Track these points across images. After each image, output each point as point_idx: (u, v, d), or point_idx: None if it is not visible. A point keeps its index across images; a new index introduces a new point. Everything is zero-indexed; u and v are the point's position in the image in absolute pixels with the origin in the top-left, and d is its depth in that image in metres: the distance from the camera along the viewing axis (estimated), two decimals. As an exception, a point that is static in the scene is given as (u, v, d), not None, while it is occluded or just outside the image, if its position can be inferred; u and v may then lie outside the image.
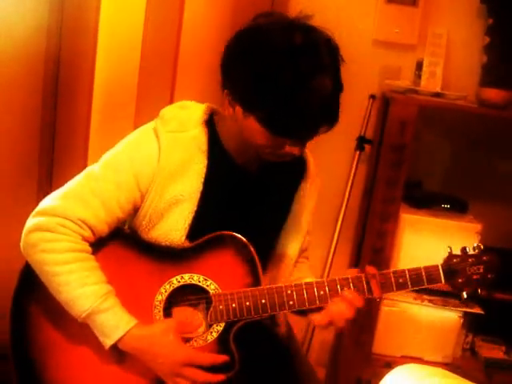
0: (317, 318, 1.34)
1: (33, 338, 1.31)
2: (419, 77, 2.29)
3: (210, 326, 1.32)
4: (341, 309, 1.30)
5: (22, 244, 1.28)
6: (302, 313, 1.37)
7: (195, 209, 1.34)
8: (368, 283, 1.32)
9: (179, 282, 1.32)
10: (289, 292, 1.31)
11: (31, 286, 1.31)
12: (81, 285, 1.24)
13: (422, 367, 1.31)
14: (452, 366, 2.23)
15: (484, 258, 1.35)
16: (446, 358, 2.29)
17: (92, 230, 1.29)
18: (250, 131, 1.27)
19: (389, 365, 2.17)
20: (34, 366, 1.31)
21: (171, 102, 2.24)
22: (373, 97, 2.35)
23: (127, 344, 1.25)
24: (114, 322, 1.24)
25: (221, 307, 1.30)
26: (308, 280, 1.35)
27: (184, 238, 1.34)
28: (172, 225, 1.33)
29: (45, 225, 1.26)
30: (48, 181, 2.27)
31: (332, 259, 2.36)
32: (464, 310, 2.26)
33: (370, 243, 2.18)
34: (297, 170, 1.48)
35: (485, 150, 2.41)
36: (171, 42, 2.24)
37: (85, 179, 1.32)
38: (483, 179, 2.41)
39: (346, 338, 2.33)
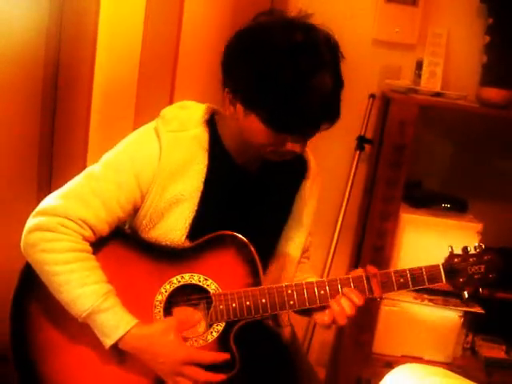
0: (320, 318, 1.34)
1: (33, 338, 1.31)
2: (419, 76, 2.29)
3: (211, 325, 1.32)
4: (342, 306, 1.30)
5: (22, 244, 1.28)
6: (306, 313, 1.37)
7: (196, 208, 1.34)
8: (369, 283, 1.32)
9: (179, 281, 1.32)
10: (289, 292, 1.31)
11: (31, 286, 1.31)
12: (81, 284, 1.24)
13: (423, 367, 1.31)
14: (452, 366, 2.23)
15: (485, 257, 1.35)
16: (446, 357, 2.29)
17: (92, 230, 1.29)
18: (251, 130, 1.27)
19: (389, 364, 2.17)
20: (34, 366, 1.30)
21: (171, 102, 2.24)
22: (373, 96, 2.35)
23: (127, 344, 1.25)
24: (115, 322, 1.24)
25: (221, 307, 1.30)
26: (310, 280, 1.35)
27: (184, 237, 1.34)
28: (172, 224, 1.33)
29: (45, 224, 1.26)
30: (47, 181, 2.27)
31: (332, 259, 2.36)
32: (464, 309, 2.26)
33: (370, 243, 2.18)
34: (298, 170, 1.48)
35: (485, 149, 2.41)
36: (171, 42, 2.24)
37: (85, 179, 1.32)
38: (483, 179, 2.41)
39: (346, 338, 2.33)
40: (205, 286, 1.32)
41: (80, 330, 1.28)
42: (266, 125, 1.23)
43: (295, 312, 1.38)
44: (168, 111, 1.39)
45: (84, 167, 1.36)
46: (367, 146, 2.37)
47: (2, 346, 1.33)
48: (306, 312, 1.36)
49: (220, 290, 1.31)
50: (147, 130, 1.37)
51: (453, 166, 2.44)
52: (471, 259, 1.34)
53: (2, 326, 1.32)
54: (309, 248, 1.59)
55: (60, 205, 1.28)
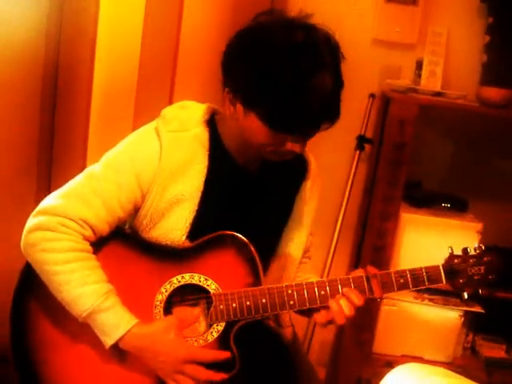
0: (318, 317, 1.34)
1: (33, 338, 1.31)
2: (419, 76, 2.29)
3: (211, 325, 1.32)
4: (341, 306, 1.30)
5: (22, 243, 1.28)
6: (306, 313, 1.37)
7: (196, 208, 1.34)
8: (369, 283, 1.32)
9: (180, 281, 1.32)
10: (289, 292, 1.31)
11: (31, 286, 1.31)
12: (81, 284, 1.24)
13: (423, 366, 1.30)
14: (453, 365, 2.23)
15: (485, 258, 1.35)
16: (446, 357, 2.29)
17: (93, 230, 1.29)
18: (250, 129, 1.27)
19: (389, 364, 2.17)
20: (34, 366, 1.31)
21: (170, 102, 2.24)
22: (373, 96, 2.35)
23: (128, 343, 1.25)
24: (115, 321, 1.24)
25: (221, 307, 1.30)
26: (310, 280, 1.35)
27: (184, 237, 1.34)
28: (173, 224, 1.33)
29: (46, 224, 1.26)
30: (47, 182, 2.27)
31: (332, 258, 2.36)
32: (465, 308, 2.26)
33: (371, 242, 2.18)
34: (298, 171, 1.48)
35: (485, 148, 2.41)
36: (170, 43, 2.24)
37: (86, 179, 1.32)
38: (483, 178, 2.41)
39: (347, 338, 2.33)
40: (205, 286, 1.32)
41: (80, 329, 1.28)
42: (266, 124, 1.23)
43: (295, 312, 1.38)
44: (168, 111, 1.39)
45: (83, 167, 1.36)
46: (367, 146, 2.37)
47: (2, 346, 1.33)
48: (306, 312, 1.36)
49: (220, 290, 1.31)
50: (148, 129, 1.37)
51: (453, 165, 2.44)
52: (471, 260, 1.35)
53: (2, 326, 1.32)
54: (310, 248, 1.59)
55: (60, 204, 1.28)
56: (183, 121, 1.37)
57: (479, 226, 2.17)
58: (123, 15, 2.23)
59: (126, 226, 1.40)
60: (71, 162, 2.25)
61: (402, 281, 1.33)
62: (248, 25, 1.27)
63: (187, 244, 1.34)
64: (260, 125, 1.24)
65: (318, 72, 1.20)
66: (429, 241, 2.15)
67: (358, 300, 1.30)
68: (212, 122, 1.40)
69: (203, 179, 1.35)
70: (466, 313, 2.28)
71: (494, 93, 2.15)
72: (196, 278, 1.32)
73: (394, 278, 1.33)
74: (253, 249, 1.32)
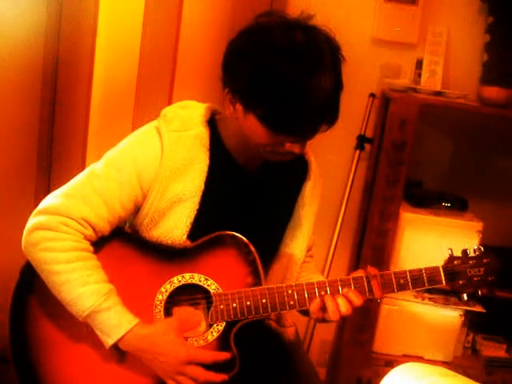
0: (313, 308, 1.32)
1: (33, 338, 1.31)
2: (419, 75, 2.29)
3: (211, 325, 1.32)
4: (337, 303, 1.29)
5: (23, 243, 1.28)
6: (307, 313, 1.36)
7: (197, 208, 1.34)
8: (369, 284, 1.32)
9: (180, 281, 1.32)
10: (289, 292, 1.31)
11: (31, 286, 1.31)
12: (82, 283, 1.24)
13: (423, 366, 1.30)
14: (453, 365, 2.23)
15: (484, 260, 1.35)
16: (446, 356, 2.28)
17: (94, 229, 1.29)
18: (250, 129, 1.27)
19: (389, 364, 2.17)
20: (34, 365, 1.31)
21: (170, 102, 2.25)
22: (373, 95, 2.35)
23: (128, 343, 1.25)
24: (116, 321, 1.24)
25: (221, 307, 1.30)
26: (313, 280, 1.35)
27: (185, 236, 1.34)
28: (173, 223, 1.33)
29: (46, 223, 1.26)
30: (46, 181, 2.28)
31: (332, 258, 2.36)
32: (465, 308, 2.26)
33: (371, 242, 2.18)
34: (299, 171, 1.49)
35: (485, 148, 2.41)
36: (170, 43, 2.24)
37: (87, 178, 1.32)
38: (484, 178, 2.41)
39: (347, 338, 2.32)
40: (205, 286, 1.32)
41: (80, 329, 1.28)
42: (265, 125, 1.24)
43: (297, 311, 1.37)
44: (169, 111, 1.39)
45: (83, 167, 1.36)
46: (367, 145, 2.37)
47: (2, 346, 1.33)
48: (307, 312, 1.36)
49: (220, 290, 1.31)
50: (149, 129, 1.37)
51: (453, 165, 2.44)
52: (471, 261, 1.35)
53: (2, 326, 1.32)
54: (312, 247, 1.59)
55: (61, 203, 1.28)
56: (184, 120, 1.37)
57: (479, 225, 2.17)
58: (123, 15, 2.24)
59: (127, 226, 1.40)
60: (71, 162, 2.26)
61: (401, 282, 1.33)
62: (248, 26, 1.27)
63: (188, 243, 1.34)
64: (259, 125, 1.24)
65: (317, 73, 1.20)
66: (429, 240, 2.15)
67: (358, 300, 1.30)
68: (212, 122, 1.40)
69: (204, 179, 1.35)
70: (467, 312, 2.28)
71: (494, 92, 2.14)
72: (196, 278, 1.32)
73: (394, 279, 1.32)
74: (253, 249, 1.32)
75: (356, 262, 2.39)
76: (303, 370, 1.55)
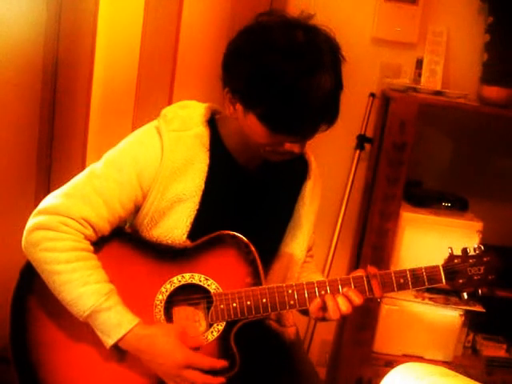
0: (313, 307, 1.32)
1: (33, 338, 1.31)
2: (419, 75, 2.29)
3: (211, 325, 1.32)
4: (337, 302, 1.29)
5: (23, 242, 1.28)
6: (307, 312, 1.36)
7: (197, 207, 1.34)
8: (369, 283, 1.32)
9: (180, 281, 1.32)
10: (290, 292, 1.31)
11: (31, 286, 1.31)
12: (83, 283, 1.24)
13: (423, 366, 1.30)
14: (453, 365, 2.23)
15: (485, 258, 1.35)
16: (447, 356, 2.28)
17: (94, 229, 1.29)
18: (250, 129, 1.27)
19: (389, 364, 2.17)
20: (34, 365, 1.30)
21: (170, 102, 2.25)
22: (373, 95, 2.34)
23: (129, 343, 1.25)
24: (116, 321, 1.24)
25: (221, 306, 1.30)
26: (314, 279, 1.35)
27: (185, 236, 1.34)
28: (173, 223, 1.33)
29: (47, 223, 1.26)
30: (46, 181, 2.28)
31: (332, 258, 2.36)
32: (465, 308, 2.26)
33: (371, 242, 2.18)
34: (299, 171, 1.49)
35: (485, 148, 2.41)
36: (170, 42, 2.24)
37: (87, 178, 1.32)
38: (484, 177, 2.41)
39: (347, 337, 2.32)
40: (205, 286, 1.32)
41: (80, 329, 1.28)
42: (264, 124, 1.24)
43: (297, 311, 1.37)
44: (169, 110, 1.39)
45: (83, 167, 1.36)
46: (367, 145, 2.37)
47: (2, 346, 1.33)
48: (307, 311, 1.36)
49: (220, 290, 1.31)
50: (149, 129, 1.37)
51: (453, 164, 2.44)
52: (471, 260, 1.35)
53: (2, 326, 1.32)
54: (312, 247, 1.59)
55: (62, 203, 1.28)
56: (184, 120, 1.37)
57: (479, 225, 2.17)
58: (123, 15, 2.24)
59: (127, 226, 1.40)
60: (71, 162, 2.26)
61: (401, 281, 1.33)
62: (248, 25, 1.27)
63: (188, 243, 1.34)
64: (259, 125, 1.24)
65: (317, 73, 1.20)
66: (429, 240, 2.15)
67: (358, 299, 1.30)
68: (212, 122, 1.40)
69: (204, 178, 1.35)
70: (467, 312, 2.28)
71: (494, 92, 2.14)
72: (196, 278, 1.32)
73: (394, 278, 1.32)
74: (253, 249, 1.32)
75: (356, 262, 2.39)
76: (303, 370, 1.55)
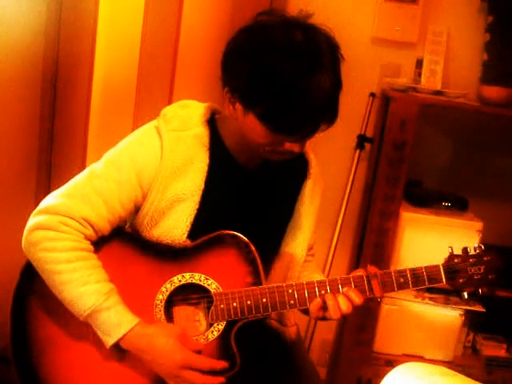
0: (314, 307, 1.32)
1: (34, 338, 1.31)
2: (419, 75, 2.29)
3: (211, 325, 1.32)
4: (337, 302, 1.29)
5: (23, 242, 1.28)
6: (307, 312, 1.36)
7: (197, 207, 1.34)
8: (369, 283, 1.32)
9: (180, 281, 1.32)
10: (290, 291, 1.31)
11: (31, 286, 1.31)
12: (83, 283, 1.24)
13: (423, 365, 1.30)
14: (453, 365, 2.23)
15: (485, 258, 1.35)
16: (447, 356, 2.28)
17: (94, 229, 1.29)
18: (249, 129, 1.27)
19: (390, 363, 2.17)
20: (34, 365, 1.30)
21: (170, 101, 2.25)
22: (373, 95, 2.34)
23: (129, 342, 1.25)
24: (117, 320, 1.24)
25: (222, 306, 1.30)
26: (315, 279, 1.35)
27: (185, 236, 1.34)
28: (174, 223, 1.34)
29: (47, 223, 1.26)
30: (47, 181, 2.28)
31: (333, 257, 2.36)
32: (465, 307, 2.26)
33: (371, 241, 2.18)
34: (299, 170, 1.48)
35: (485, 147, 2.41)
36: (170, 42, 2.24)
37: (87, 178, 1.32)
38: (484, 177, 2.41)
39: (347, 337, 2.32)
40: (205, 286, 1.32)
41: (81, 329, 1.28)
42: (264, 124, 1.24)
43: (299, 310, 1.37)
44: (169, 110, 1.39)
45: (83, 167, 1.36)
46: (367, 145, 2.37)
47: (3, 346, 1.33)
48: (307, 311, 1.36)
49: (221, 290, 1.31)
50: (149, 128, 1.37)
51: (453, 164, 2.44)
52: (471, 260, 1.35)
53: (2, 326, 1.32)
54: (313, 246, 1.59)
55: (62, 203, 1.28)
56: (184, 120, 1.37)
57: (479, 224, 2.17)
58: (123, 15, 2.24)
59: (127, 225, 1.40)
60: (71, 162, 2.26)
61: (402, 280, 1.33)
62: (248, 24, 1.27)
63: (188, 243, 1.34)
64: (258, 125, 1.24)
65: (317, 72, 1.20)
66: (429, 240, 2.15)
67: (358, 299, 1.30)
68: (212, 122, 1.40)
69: (204, 178, 1.35)
70: (467, 312, 2.28)
71: (494, 91, 2.14)
72: (196, 278, 1.32)
73: (394, 278, 1.32)
74: (253, 248, 1.32)
75: (356, 262, 2.39)
76: (304, 369, 1.55)
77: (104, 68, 2.25)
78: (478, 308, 2.26)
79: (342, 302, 1.29)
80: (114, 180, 1.31)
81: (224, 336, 1.31)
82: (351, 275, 1.33)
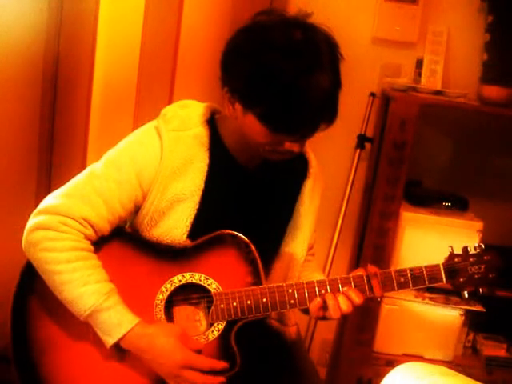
0: (314, 306, 1.32)
1: (34, 338, 1.31)
2: (419, 75, 2.29)
3: (211, 324, 1.32)
4: (338, 301, 1.29)
5: (23, 242, 1.28)
6: (307, 311, 1.36)
7: (197, 207, 1.34)
8: (369, 282, 1.32)
9: (180, 280, 1.32)
10: (290, 291, 1.31)
11: (32, 286, 1.32)
12: (83, 283, 1.24)
13: (424, 365, 1.30)
14: (453, 364, 2.23)
15: (485, 257, 1.35)
16: (447, 356, 2.28)
17: (94, 229, 1.29)
18: (249, 128, 1.27)
19: (390, 363, 2.17)
20: (34, 365, 1.30)
21: (170, 101, 2.25)
22: (373, 95, 2.34)
23: (129, 342, 1.25)
24: (117, 320, 1.24)
25: (222, 306, 1.30)
26: (315, 278, 1.35)
27: (185, 236, 1.34)
28: (174, 223, 1.34)
29: (47, 223, 1.26)
30: (47, 181, 2.28)
31: (333, 257, 2.36)
32: (465, 307, 2.26)
33: (371, 241, 2.18)
34: (299, 170, 1.48)
35: (486, 147, 2.41)
36: (170, 42, 2.24)
37: (87, 178, 1.32)
38: (484, 177, 2.41)
39: (347, 337, 2.32)
40: (205, 285, 1.32)
41: (81, 329, 1.28)
42: (264, 124, 1.24)
43: (299, 310, 1.37)
44: (169, 110, 1.39)
45: (83, 167, 1.36)
46: (368, 145, 2.37)
47: (3, 346, 1.33)
48: (308, 310, 1.36)
49: (221, 289, 1.31)
50: (148, 128, 1.37)
51: (453, 164, 2.44)
52: (471, 259, 1.35)
53: (3, 326, 1.32)
54: (313, 245, 1.59)
55: (62, 203, 1.28)
56: (184, 120, 1.37)
57: (479, 224, 2.17)
58: (123, 15, 2.24)
59: (127, 225, 1.40)
60: (71, 162, 2.26)
61: (402, 280, 1.33)
62: (247, 24, 1.27)
63: (188, 243, 1.34)
64: (258, 124, 1.24)
65: (316, 72, 1.20)
66: (429, 240, 2.15)
67: (358, 299, 1.30)
68: (212, 122, 1.40)
69: (204, 178, 1.35)
70: (467, 312, 2.28)
71: (494, 91, 2.14)
72: (196, 277, 1.32)
73: (394, 277, 1.32)
74: (253, 248, 1.32)
75: (356, 262, 2.39)
76: (304, 369, 1.55)
77: (104, 68, 2.26)
78: (478, 308, 2.26)
79: (342, 302, 1.29)
80: (113, 180, 1.31)
81: (224, 336, 1.31)
82: (351, 275, 1.33)
